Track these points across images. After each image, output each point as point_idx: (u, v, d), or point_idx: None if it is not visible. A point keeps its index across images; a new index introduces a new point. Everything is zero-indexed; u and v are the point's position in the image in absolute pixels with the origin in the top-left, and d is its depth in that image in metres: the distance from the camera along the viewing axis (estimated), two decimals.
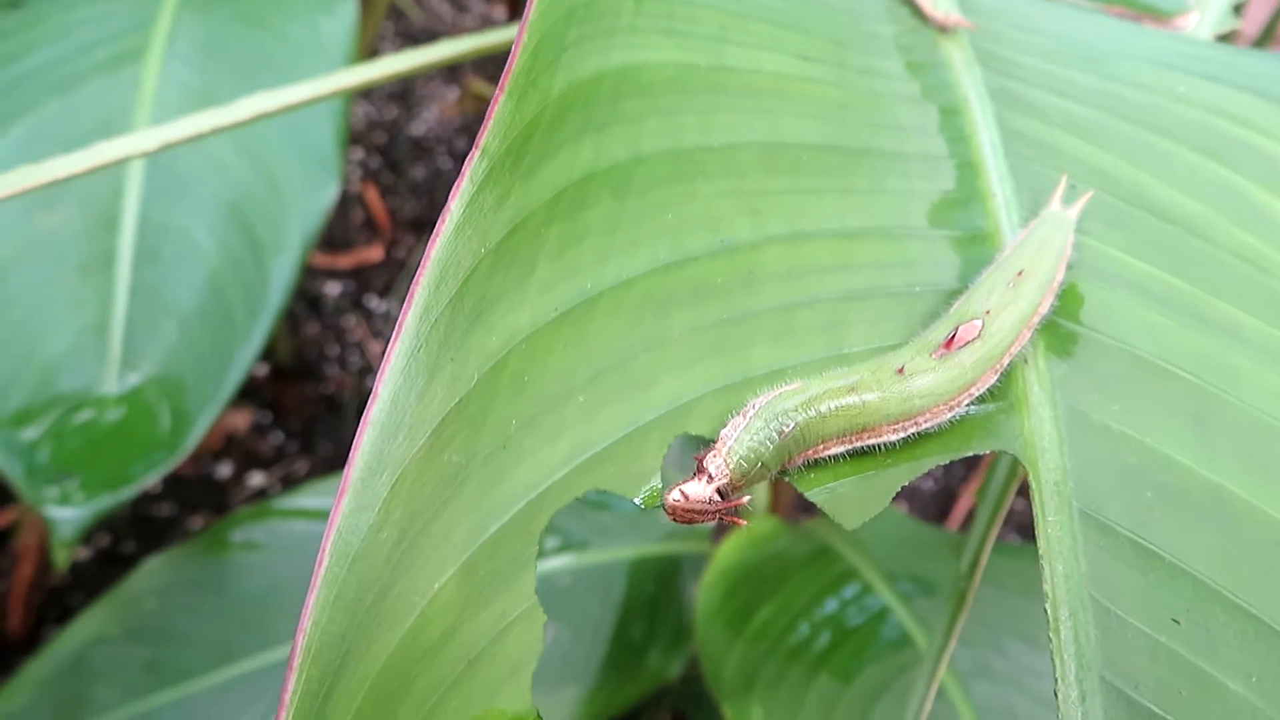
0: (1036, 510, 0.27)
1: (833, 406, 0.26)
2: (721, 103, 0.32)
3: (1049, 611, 0.25)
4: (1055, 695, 0.24)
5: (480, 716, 0.23)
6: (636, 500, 0.25)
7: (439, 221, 0.24)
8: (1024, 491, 1.09)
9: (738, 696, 0.64)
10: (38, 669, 0.70)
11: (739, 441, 0.25)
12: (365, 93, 1.48)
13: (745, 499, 0.26)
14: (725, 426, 0.26)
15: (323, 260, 1.25)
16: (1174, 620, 0.25)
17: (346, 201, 1.33)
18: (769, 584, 0.71)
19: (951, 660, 0.67)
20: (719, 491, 0.25)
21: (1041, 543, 0.26)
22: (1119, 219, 0.35)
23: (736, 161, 0.31)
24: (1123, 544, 0.26)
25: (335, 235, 1.28)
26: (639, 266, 0.28)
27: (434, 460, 0.23)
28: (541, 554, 0.73)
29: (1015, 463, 0.50)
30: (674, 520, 0.24)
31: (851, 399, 0.26)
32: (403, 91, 1.48)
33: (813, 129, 0.33)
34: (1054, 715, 0.69)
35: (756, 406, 0.26)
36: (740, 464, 0.25)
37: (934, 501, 1.07)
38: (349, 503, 0.21)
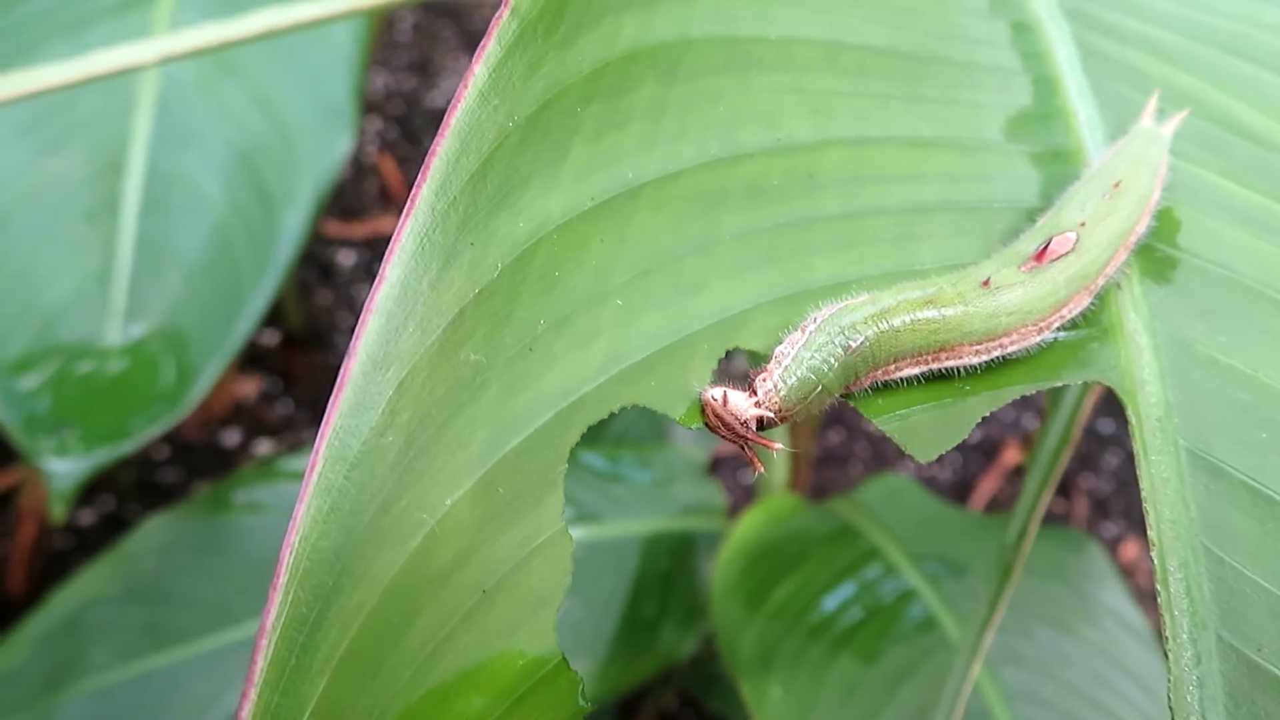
0: (1138, 449, 0.23)
1: (908, 320, 0.22)
2: None
3: (1156, 561, 0.21)
4: (1165, 655, 0.20)
5: (498, 657, 0.19)
6: (676, 417, 0.22)
7: (460, 87, 0.20)
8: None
9: (755, 674, 0.61)
10: (34, 627, 0.68)
11: (796, 361, 0.22)
12: (384, 61, 1.46)
13: (777, 445, 0.23)
14: (781, 343, 0.23)
15: (337, 229, 1.22)
16: None
17: (362, 171, 1.31)
18: (788, 561, 0.69)
19: None
20: (760, 419, 0.22)
21: (1145, 484, 0.23)
22: (1213, 143, 0.32)
23: (795, 57, 0.27)
24: (1236, 488, 0.23)
25: (350, 204, 1.26)
26: (687, 159, 0.24)
27: (449, 357, 0.20)
28: None
29: (1069, 427, 0.47)
30: (703, 417, 0.22)
31: (930, 313, 0.23)
32: (421, 62, 1.45)
33: (878, 32, 0.30)
34: (1084, 705, 0.65)
35: (819, 320, 0.23)
36: (795, 389, 0.22)
37: (951, 491, 1.04)
38: (348, 400, 0.18)
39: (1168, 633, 0.21)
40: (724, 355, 0.23)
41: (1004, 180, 0.28)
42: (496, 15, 0.21)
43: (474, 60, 0.21)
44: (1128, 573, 1.00)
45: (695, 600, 0.72)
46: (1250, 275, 0.27)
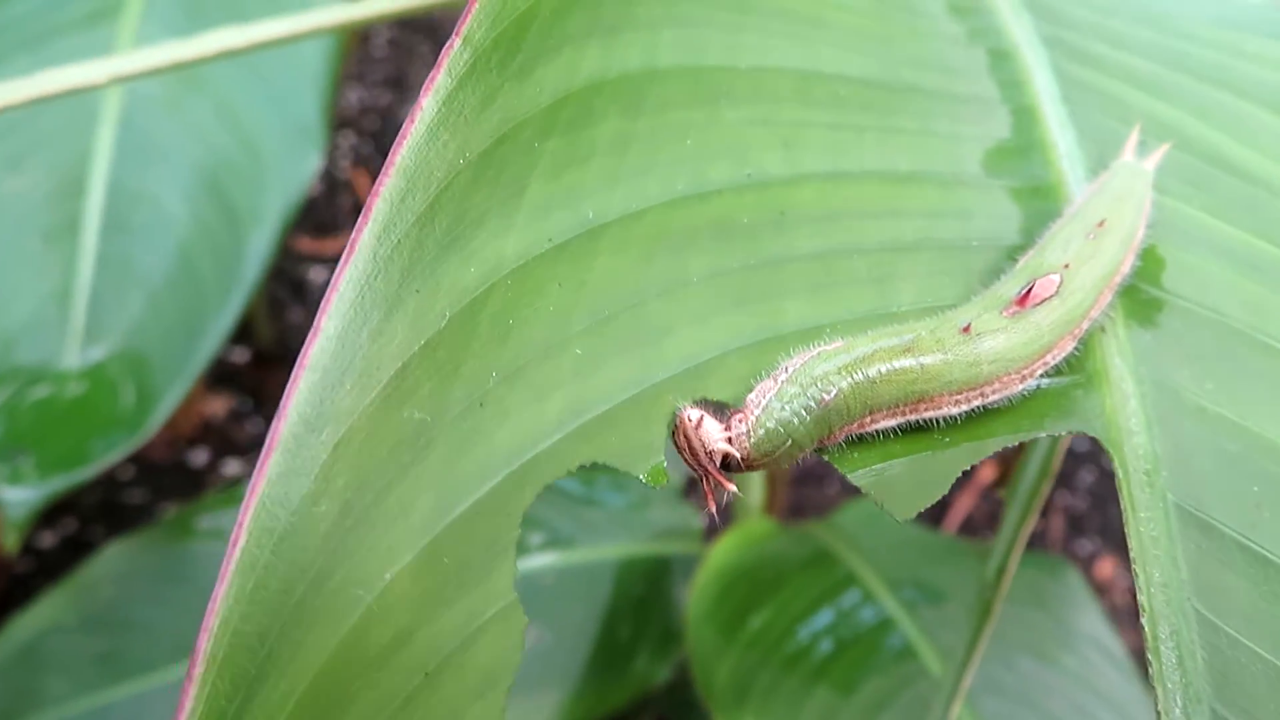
0: (1125, 505, 0.22)
1: (884, 370, 0.21)
2: (750, 22, 0.27)
3: (1146, 629, 0.20)
4: None
5: None
6: (641, 476, 0.20)
7: (406, 122, 0.19)
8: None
9: (730, 707, 0.60)
10: None
11: (767, 412, 0.21)
12: (358, 76, 1.44)
13: (731, 487, 0.22)
14: (752, 392, 0.21)
15: (309, 245, 1.21)
16: None
17: (335, 186, 1.30)
18: (764, 588, 0.68)
19: None
20: (727, 458, 0.21)
21: (1133, 544, 0.21)
22: (1196, 177, 0.31)
23: (766, 88, 0.26)
24: (1229, 547, 0.22)
25: (323, 220, 1.24)
26: (652, 196, 0.23)
27: (390, 416, 0.18)
28: (525, 551, 0.69)
29: (1048, 460, 0.46)
30: (672, 436, 0.21)
31: (907, 361, 0.21)
32: (397, 77, 1.44)
33: (852, 61, 0.29)
34: None
35: (790, 369, 0.21)
36: (764, 440, 0.21)
37: (927, 510, 1.03)
38: (277, 465, 0.16)
39: (1160, 708, 0.19)
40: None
41: (983, 217, 0.27)
42: (447, 45, 0.20)
43: (422, 93, 0.19)
44: (1102, 590, 1.00)
45: (671, 626, 0.71)
46: (1237, 317, 0.26)
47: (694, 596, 0.65)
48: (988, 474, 1.06)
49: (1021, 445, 0.56)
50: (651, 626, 0.71)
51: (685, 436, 0.21)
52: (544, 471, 0.20)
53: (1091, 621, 0.71)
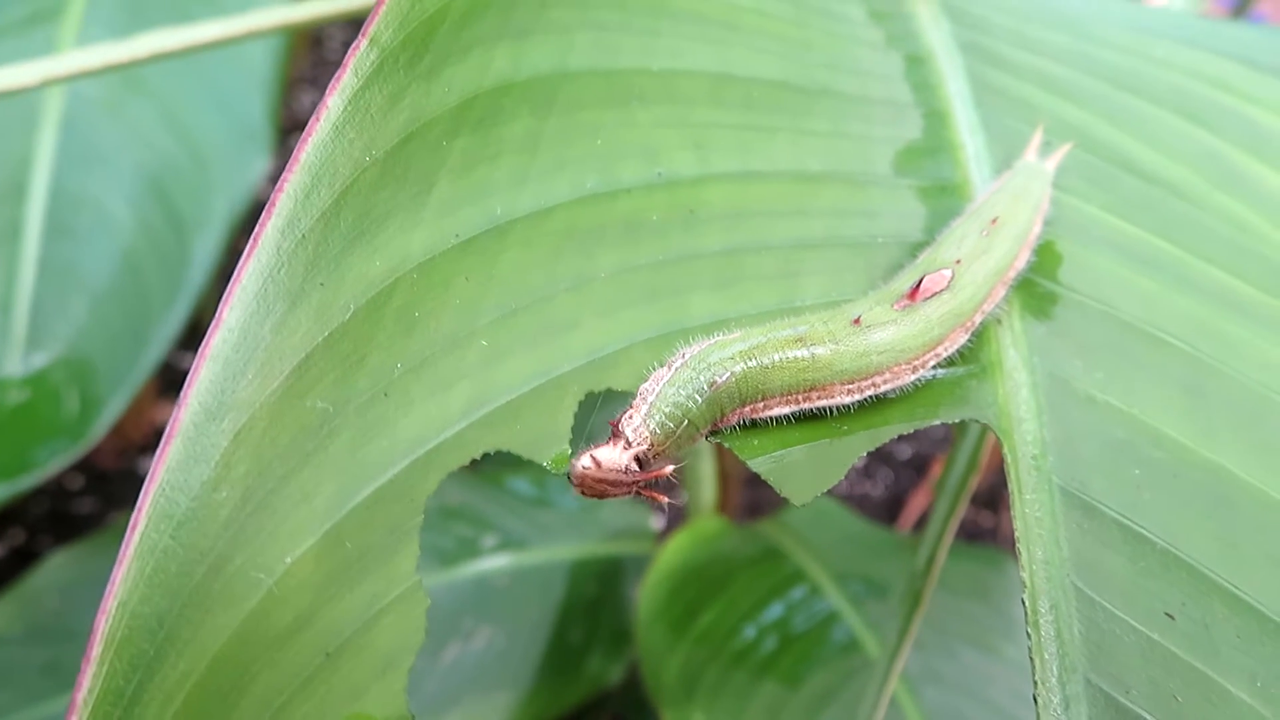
0: (1012, 488, 0.23)
1: (776, 359, 0.22)
2: (664, 26, 0.28)
3: (1026, 603, 0.21)
4: (1035, 701, 0.20)
5: None
6: (545, 463, 0.21)
7: (312, 120, 0.19)
8: (977, 499, 1.07)
9: (679, 703, 0.60)
10: None
11: (661, 398, 0.22)
12: (312, 79, 1.44)
13: (667, 469, 0.22)
14: (647, 380, 0.22)
15: None
16: (1168, 615, 0.21)
17: None
18: (714, 585, 0.68)
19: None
20: (638, 459, 0.22)
21: (1018, 524, 0.22)
22: (1098, 177, 0.32)
23: (679, 89, 0.27)
24: (1109, 527, 0.23)
25: None
26: (561, 194, 0.24)
27: (293, 405, 0.19)
28: (478, 553, 0.70)
29: (975, 454, 0.47)
30: (582, 493, 0.21)
31: (799, 351, 0.22)
32: None
33: (767, 64, 0.30)
34: None
35: (686, 356, 0.22)
36: (662, 425, 0.22)
37: (882, 508, 1.05)
38: (177, 452, 0.17)
39: (1037, 677, 0.20)
40: (598, 396, 0.22)
41: (891, 215, 0.28)
42: (354, 45, 0.20)
43: (328, 92, 0.20)
44: None
45: (623, 625, 0.72)
46: (1128, 311, 0.27)
47: (644, 596, 0.66)
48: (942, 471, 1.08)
49: (952, 440, 0.57)
50: (604, 627, 0.72)
51: (595, 482, 0.21)
52: (448, 459, 0.20)
53: None
